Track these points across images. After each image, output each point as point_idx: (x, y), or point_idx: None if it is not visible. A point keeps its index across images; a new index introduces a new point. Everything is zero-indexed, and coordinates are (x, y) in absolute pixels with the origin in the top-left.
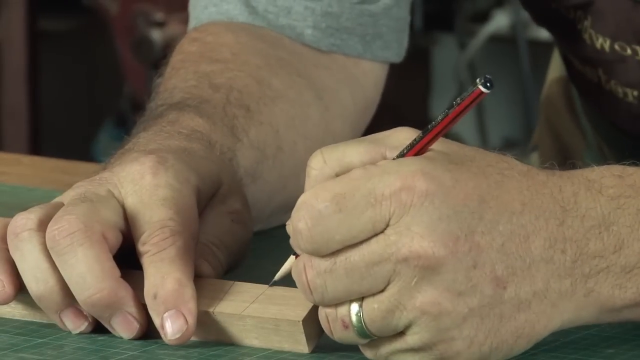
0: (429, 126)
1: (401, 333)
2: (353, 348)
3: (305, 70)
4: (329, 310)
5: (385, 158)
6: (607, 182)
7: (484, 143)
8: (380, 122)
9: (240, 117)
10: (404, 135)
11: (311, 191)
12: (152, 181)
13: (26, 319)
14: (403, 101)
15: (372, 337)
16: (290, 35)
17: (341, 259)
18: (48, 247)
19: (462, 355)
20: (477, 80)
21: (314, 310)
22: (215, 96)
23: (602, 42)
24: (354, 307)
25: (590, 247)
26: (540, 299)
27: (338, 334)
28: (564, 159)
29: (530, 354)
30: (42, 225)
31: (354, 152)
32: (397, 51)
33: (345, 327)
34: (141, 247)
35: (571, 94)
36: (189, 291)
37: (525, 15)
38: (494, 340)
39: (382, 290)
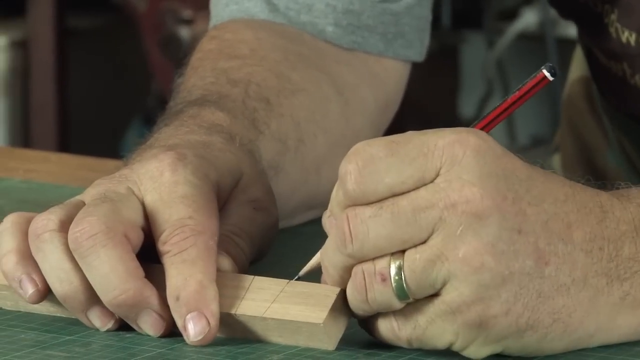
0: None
1: (437, 295)
2: (380, 345)
3: (326, 66)
4: (366, 266)
5: None
6: (632, 193)
7: (512, 140)
8: (408, 119)
9: (261, 110)
10: None
11: (364, 141)
12: (171, 178)
13: (53, 315)
14: (431, 99)
15: (409, 297)
16: (312, 32)
17: (388, 203)
18: (71, 249)
19: (498, 320)
20: (543, 66)
21: (335, 308)
22: (233, 91)
23: (628, 36)
24: (395, 260)
25: (625, 250)
26: (579, 288)
27: (374, 292)
28: (586, 159)
29: None
30: (63, 226)
31: None
32: (419, 50)
33: (384, 280)
34: (161, 247)
35: (592, 94)
36: (211, 293)
37: (553, 12)
38: (532, 316)
39: (425, 242)
